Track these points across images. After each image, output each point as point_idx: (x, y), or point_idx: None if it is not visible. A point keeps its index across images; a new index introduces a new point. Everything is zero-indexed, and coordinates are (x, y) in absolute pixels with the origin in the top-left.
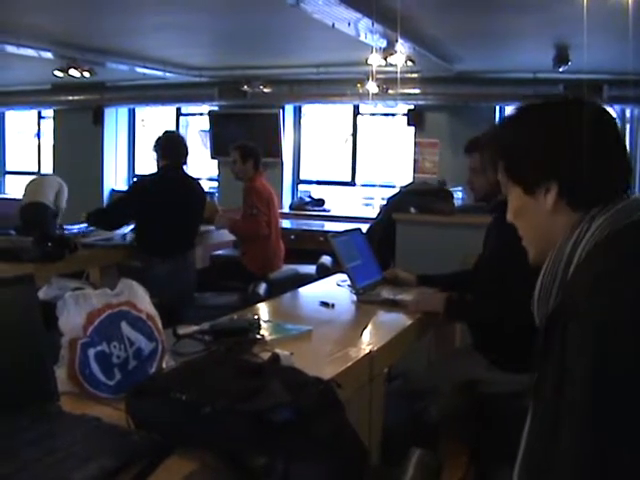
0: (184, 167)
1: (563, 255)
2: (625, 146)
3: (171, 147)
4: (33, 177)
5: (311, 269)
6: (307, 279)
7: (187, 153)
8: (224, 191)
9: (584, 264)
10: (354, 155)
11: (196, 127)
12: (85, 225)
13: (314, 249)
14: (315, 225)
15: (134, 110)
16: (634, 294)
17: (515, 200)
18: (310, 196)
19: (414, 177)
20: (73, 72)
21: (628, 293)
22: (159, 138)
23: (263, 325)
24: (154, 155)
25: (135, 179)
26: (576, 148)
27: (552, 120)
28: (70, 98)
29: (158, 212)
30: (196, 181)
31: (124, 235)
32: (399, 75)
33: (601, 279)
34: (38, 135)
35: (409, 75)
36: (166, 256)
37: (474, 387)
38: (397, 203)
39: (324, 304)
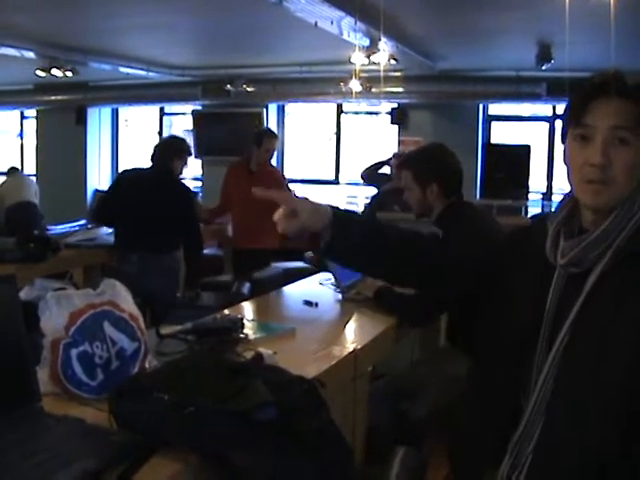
0: (169, 168)
1: (624, 218)
2: None
3: (154, 151)
4: (5, 178)
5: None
6: (291, 277)
7: (172, 156)
8: (208, 190)
9: None
10: (338, 154)
11: (180, 127)
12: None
13: (298, 247)
14: None
15: (117, 110)
16: None
17: (637, 153)
18: (294, 195)
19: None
20: (55, 72)
21: None
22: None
23: (246, 324)
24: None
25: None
26: None
27: None
28: (53, 98)
29: (127, 209)
30: (180, 185)
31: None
32: (382, 73)
33: None
34: (21, 135)
35: (392, 73)
36: (134, 254)
37: (458, 385)
38: (381, 202)
39: (308, 303)
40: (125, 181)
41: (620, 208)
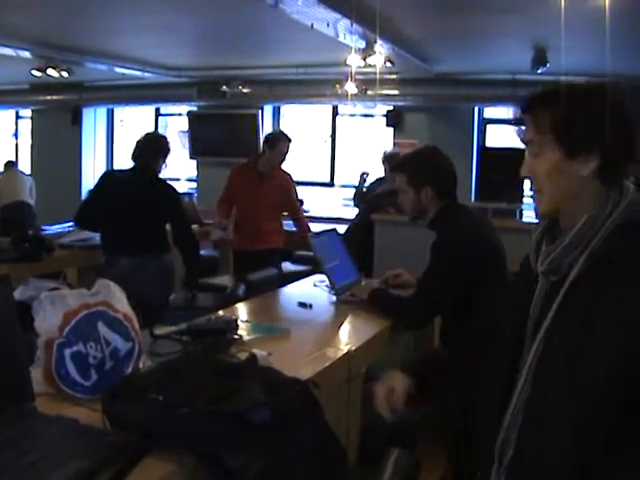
0: (151, 168)
1: (595, 222)
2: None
3: (138, 149)
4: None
5: (290, 267)
6: (289, 278)
7: (157, 155)
8: (203, 191)
9: (615, 236)
10: (333, 156)
11: (175, 128)
12: (65, 225)
13: (293, 250)
14: (294, 226)
15: (113, 110)
16: None
17: (550, 159)
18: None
19: (385, 174)
20: (51, 72)
21: None
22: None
23: (241, 325)
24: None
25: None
26: (620, 131)
27: (608, 102)
28: (48, 98)
29: (112, 212)
30: (167, 186)
31: None
32: (378, 76)
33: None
34: (16, 135)
35: (388, 76)
36: (121, 257)
37: None
38: (375, 204)
39: (302, 304)
40: (108, 184)
41: (591, 211)
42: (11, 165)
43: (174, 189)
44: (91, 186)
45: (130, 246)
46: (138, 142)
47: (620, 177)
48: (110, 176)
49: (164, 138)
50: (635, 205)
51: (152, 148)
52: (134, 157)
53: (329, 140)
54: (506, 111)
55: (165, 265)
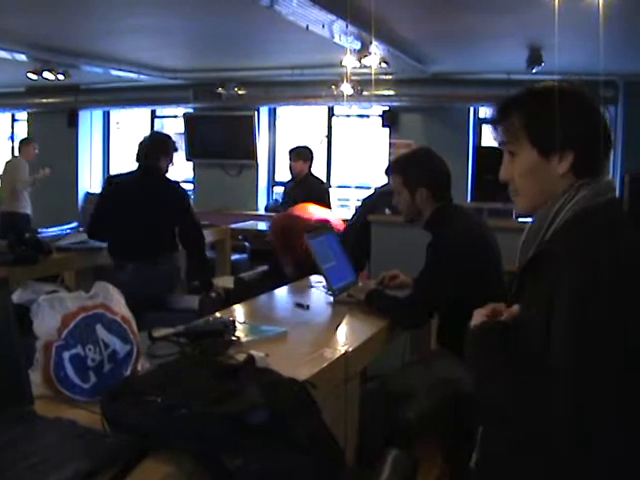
0: (157, 167)
1: (548, 216)
2: (607, 131)
3: (141, 150)
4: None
5: None
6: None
7: (158, 154)
8: (199, 193)
9: (561, 230)
10: (329, 156)
11: (171, 130)
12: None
13: None
14: None
15: (109, 113)
16: (599, 267)
17: (526, 160)
18: None
19: (389, 178)
20: (47, 75)
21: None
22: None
23: (238, 327)
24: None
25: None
26: (593, 127)
27: (579, 100)
28: (44, 101)
29: (121, 218)
30: (171, 183)
31: None
32: (373, 77)
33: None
34: (12, 138)
35: (383, 77)
36: (129, 259)
37: (449, 387)
38: (372, 204)
39: (299, 305)
40: (114, 190)
41: (540, 211)
42: (26, 143)
43: (181, 187)
44: (88, 188)
45: (140, 249)
46: (141, 143)
47: (593, 172)
48: (113, 182)
49: (167, 137)
50: (585, 199)
51: (155, 148)
52: (138, 158)
53: (325, 141)
54: None
55: (173, 266)
